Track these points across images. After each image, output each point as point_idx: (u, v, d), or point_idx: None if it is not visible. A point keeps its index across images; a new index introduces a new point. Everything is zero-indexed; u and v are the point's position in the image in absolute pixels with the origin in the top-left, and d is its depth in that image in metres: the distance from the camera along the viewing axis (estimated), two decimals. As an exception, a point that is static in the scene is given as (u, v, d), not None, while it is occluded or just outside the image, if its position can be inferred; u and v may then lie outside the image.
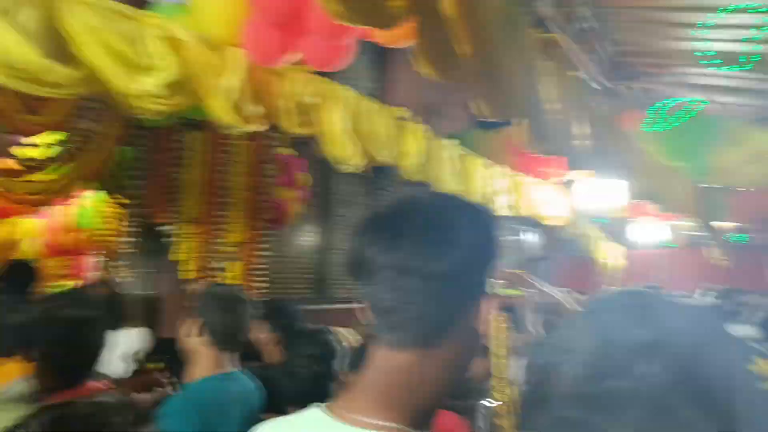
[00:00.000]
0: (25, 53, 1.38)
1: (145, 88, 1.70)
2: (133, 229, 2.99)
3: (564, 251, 7.03)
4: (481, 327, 0.68)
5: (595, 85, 4.06)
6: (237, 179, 3.24)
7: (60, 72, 1.47)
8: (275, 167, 3.46)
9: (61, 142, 2.70)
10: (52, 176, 2.69)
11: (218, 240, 3.15)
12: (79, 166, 2.67)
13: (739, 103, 4.27)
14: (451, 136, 3.48)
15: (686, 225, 5.73)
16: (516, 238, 6.89)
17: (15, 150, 2.77)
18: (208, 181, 3.08)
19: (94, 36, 1.58)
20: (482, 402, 2.12)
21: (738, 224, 6.63)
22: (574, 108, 2.03)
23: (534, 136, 1.74)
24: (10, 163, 2.76)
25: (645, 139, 3.61)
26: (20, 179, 2.75)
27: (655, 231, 6.56)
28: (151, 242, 3.04)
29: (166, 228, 2.93)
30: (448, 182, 3.34)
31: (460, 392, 2.35)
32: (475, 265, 0.67)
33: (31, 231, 4.30)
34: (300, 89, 2.29)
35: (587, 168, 2.26)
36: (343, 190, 4.44)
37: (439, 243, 0.64)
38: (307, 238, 4.13)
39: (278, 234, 3.76)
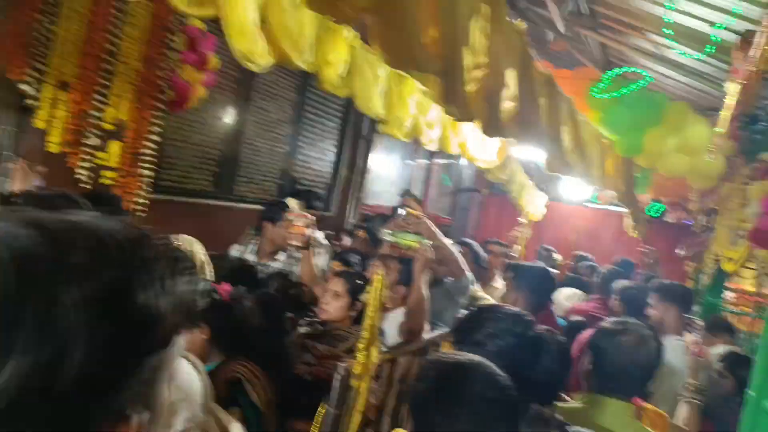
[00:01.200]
0: None
1: None
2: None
3: (493, 189, 6.99)
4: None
5: (552, 33, 3.72)
6: (129, 45, 2.75)
7: None
8: (181, 40, 2.97)
9: None
10: None
11: (95, 113, 2.72)
12: None
13: (692, 87, 4.11)
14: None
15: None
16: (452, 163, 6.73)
17: None
18: (88, 40, 2.57)
19: None
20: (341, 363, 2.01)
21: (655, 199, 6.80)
22: (506, 65, 1.73)
23: (446, 97, 1.45)
24: None
25: (590, 103, 3.41)
26: None
27: (580, 189, 6.61)
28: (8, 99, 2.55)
29: (26, 86, 2.44)
30: (374, 103, 3.00)
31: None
32: None
33: None
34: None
35: (508, 136, 2.04)
36: (266, 80, 4.00)
37: None
38: (216, 126, 3.72)
39: (180, 116, 3.34)
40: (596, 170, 3.21)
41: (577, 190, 6.89)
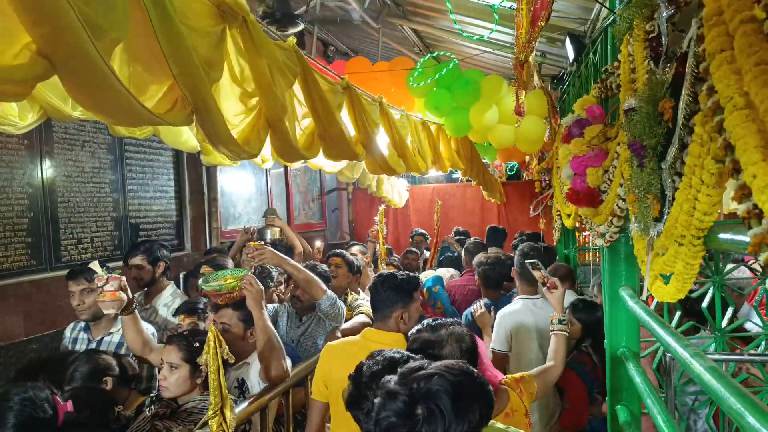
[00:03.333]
0: None
1: None
2: None
3: (357, 184, 6.99)
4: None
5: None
6: None
7: None
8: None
9: None
10: None
11: None
12: None
13: (505, 57, 4.36)
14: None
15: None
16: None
17: None
18: None
19: None
20: None
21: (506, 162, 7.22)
22: (281, 88, 1.62)
23: (211, 141, 1.31)
24: None
25: (412, 91, 3.47)
26: None
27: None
28: None
29: None
30: (183, 137, 2.77)
31: None
32: None
33: None
34: None
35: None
36: (66, 127, 3.58)
37: None
38: (14, 192, 3.26)
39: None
40: (428, 159, 3.26)
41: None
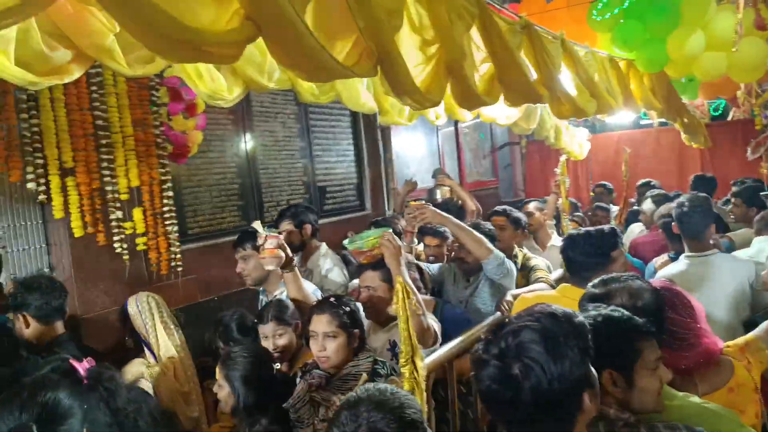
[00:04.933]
0: None
1: None
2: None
3: (531, 137, 6.67)
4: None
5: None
6: (115, 114, 2.80)
7: None
8: (163, 93, 2.99)
9: None
10: None
11: (108, 188, 2.80)
12: None
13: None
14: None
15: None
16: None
17: None
18: (73, 122, 2.64)
19: None
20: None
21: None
22: (461, 30, 1.55)
23: (395, 90, 1.32)
24: None
25: (595, 26, 3.10)
26: None
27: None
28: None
29: (30, 184, 2.54)
30: (362, 99, 2.88)
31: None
32: None
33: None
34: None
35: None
36: (262, 101, 3.98)
37: None
38: (227, 162, 3.75)
39: (187, 164, 3.38)
40: (618, 98, 2.93)
41: (621, 114, 6.43)
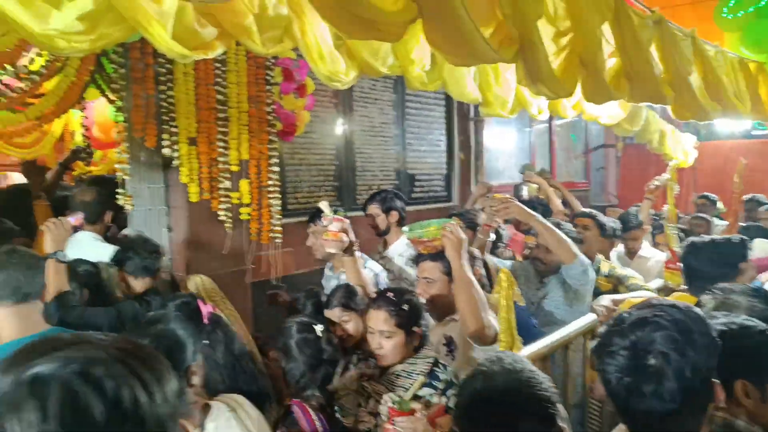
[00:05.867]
0: None
1: (55, 26, 1.43)
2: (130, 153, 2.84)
3: (629, 140, 6.38)
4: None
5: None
6: (234, 90, 2.99)
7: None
8: (278, 73, 3.15)
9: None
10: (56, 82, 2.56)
11: (221, 159, 3.00)
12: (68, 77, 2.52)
13: None
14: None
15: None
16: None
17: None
18: (200, 96, 2.84)
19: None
20: None
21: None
22: (596, 21, 1.53)
23: (530, 77, 1.32)
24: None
25: (723, 25, 2.90)
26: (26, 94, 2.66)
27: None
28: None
29: (166, 150, 2.77)
30: (467, 89, 2.89)
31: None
32: None
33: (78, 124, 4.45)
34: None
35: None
36: (363, 87, 4.08)
37: None
38: (327, 143, 3.88)
39: (293, 142, 3.54)
40: (746, 104, 2.74)
41: (734, 122, 5.98)
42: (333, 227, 2.26)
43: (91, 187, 3.05)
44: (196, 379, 1.39)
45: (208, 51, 1.89)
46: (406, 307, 1.88)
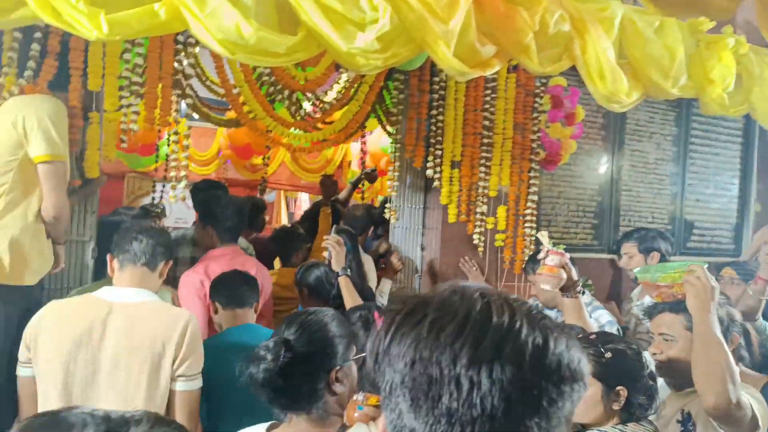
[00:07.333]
0: (246, 28, 1.51)
1: (358, 45, 1.68)
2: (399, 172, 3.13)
3: None
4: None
5: None
6: (500, 117, 3.05)
7: (278, 41, 1.57)
8: (546, 101, 3.11)
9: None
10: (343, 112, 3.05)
11: (481, 184, 3.08)
12: (354, 107, 2.95)
13: None
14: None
15: None
16: None
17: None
18: (467, 121, 2.98)
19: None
20: None
21: None
22: None
23: None
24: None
25: None
26: (318, 120, 3.22)
27: None
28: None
29: (429, 171, 2.98)
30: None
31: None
32: None
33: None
34: (546, 17, 1.91)
35: None
36: (638, 119, 3.72)
37: None
38: (590, 177, 3.65)
39: (553, 173, 3.43)
40: None
41: None
42: (549, 261, 1.95)
43: (361, 205, 3.60)
44: (339, 388, 1.26)
45: (486, 69, 1.97)
46: (609, 354, 1.52)
